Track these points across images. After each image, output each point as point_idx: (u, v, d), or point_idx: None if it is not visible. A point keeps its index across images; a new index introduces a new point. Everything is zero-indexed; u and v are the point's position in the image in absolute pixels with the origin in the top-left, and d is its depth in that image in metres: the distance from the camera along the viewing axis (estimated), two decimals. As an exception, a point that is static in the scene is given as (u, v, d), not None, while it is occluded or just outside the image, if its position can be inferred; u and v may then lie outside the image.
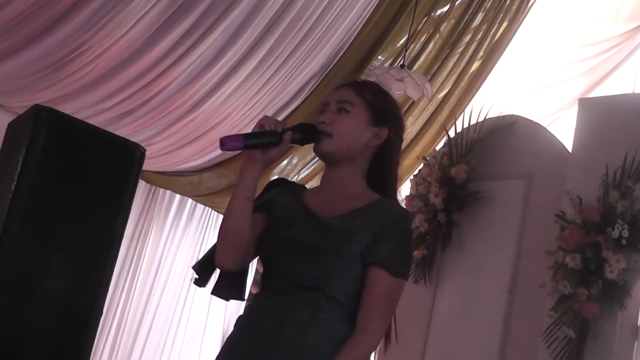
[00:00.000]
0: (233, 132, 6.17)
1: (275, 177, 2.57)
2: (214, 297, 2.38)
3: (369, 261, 2.15)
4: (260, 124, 2.17)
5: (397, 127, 2.35)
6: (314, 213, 2.23)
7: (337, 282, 2.14)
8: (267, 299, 2.20)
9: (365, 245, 2.15)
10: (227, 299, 2.42)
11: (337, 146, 2.24)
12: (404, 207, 2.41)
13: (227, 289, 2.34)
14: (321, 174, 2.38)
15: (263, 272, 2.27)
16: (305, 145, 2.36)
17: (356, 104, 2.27)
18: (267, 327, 2.13)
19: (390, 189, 2.33)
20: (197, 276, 2.38)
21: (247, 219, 2.18)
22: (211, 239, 7.17)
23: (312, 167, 6.61)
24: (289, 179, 5.92)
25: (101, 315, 3.43)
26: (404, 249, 2.22)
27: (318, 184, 2.37)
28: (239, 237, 2.19)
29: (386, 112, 2.32)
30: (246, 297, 2.40)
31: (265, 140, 2.16)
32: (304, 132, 2.24)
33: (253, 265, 4.38)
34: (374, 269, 2.15)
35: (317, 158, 5.21)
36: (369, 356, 2.19)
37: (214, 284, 2.34)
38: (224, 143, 2.09)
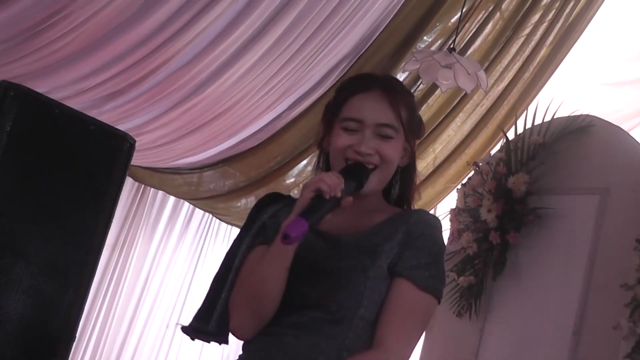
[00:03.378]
0: (241, 124, 6.21)
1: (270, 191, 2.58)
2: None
3: (392, 272, 2.20)
4: (315, 189, 2.14)
5: (421, 134, 2.48)
6: (326, 232, 2.27)
7: (365, 309, 2.17)
8: (273, 337, 2.22)
9: (392, 257, 2.21)
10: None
11: (382, 179, 2.33)
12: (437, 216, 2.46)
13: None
14: None
15: None
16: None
17: (397, 125, 2.33)
18: None
19: (410, 202, 2.44)
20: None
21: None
22: (211, 251, 7.17)
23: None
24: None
25: (73, 341, 3.44)
26: (434, 261, 2.26)
27: None
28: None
29: (417, 125, 2.43)
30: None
31: (325, 211, 2.15)
32: (356, 177, 2.25)
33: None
34: (397, 280, 2.20)
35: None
36: None
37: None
38: (289, 236, 2.06)
